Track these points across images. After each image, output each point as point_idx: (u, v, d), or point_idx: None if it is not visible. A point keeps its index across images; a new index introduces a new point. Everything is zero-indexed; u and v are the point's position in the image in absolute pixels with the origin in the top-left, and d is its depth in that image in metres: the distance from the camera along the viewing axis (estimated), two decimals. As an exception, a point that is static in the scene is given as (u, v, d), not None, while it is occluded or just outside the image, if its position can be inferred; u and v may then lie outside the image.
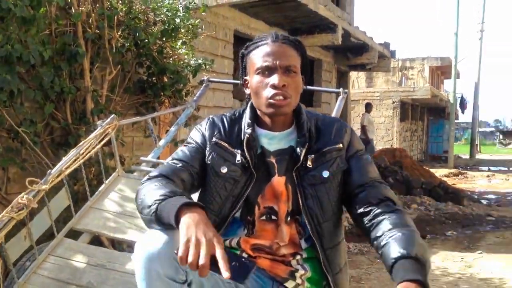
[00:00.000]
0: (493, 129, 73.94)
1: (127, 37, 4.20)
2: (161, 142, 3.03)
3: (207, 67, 4.73)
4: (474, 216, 8.49)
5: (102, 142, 2.37)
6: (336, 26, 8.34)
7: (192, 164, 1.56)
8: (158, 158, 2.96)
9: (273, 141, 1.58)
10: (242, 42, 8.44)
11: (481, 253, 5.91)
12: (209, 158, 1.57)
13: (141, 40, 4.29)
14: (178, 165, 1.55)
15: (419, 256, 1.29)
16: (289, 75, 1.52)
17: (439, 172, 15.70)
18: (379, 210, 1.45)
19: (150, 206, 1.33)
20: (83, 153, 2.25)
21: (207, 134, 1.61)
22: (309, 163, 1.52)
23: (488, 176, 17.05)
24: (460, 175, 17.01)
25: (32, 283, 2.05)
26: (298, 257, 1.55)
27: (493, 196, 11.91)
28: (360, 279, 4.75)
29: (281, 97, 1.50)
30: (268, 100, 1.51)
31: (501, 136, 54.95)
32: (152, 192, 1.37)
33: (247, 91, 1.63)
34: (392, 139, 19.68)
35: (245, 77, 1.63)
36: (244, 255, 1.53)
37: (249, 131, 1.55)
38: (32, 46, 3.38)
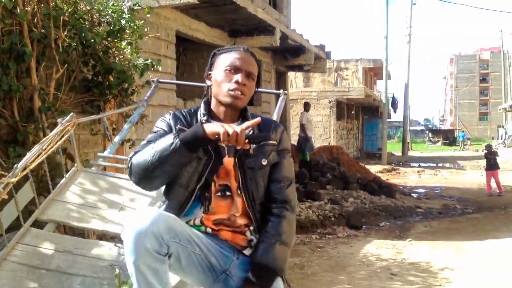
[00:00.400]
0: (423, 127, 77.55)
1: (73, 37, 4.26)
2: (116, 139, 3.18)
3: (154, 67, 4.87)
4: (405, 208, 9.10)
5: (63, 138, 2.50)
6: (274, 29, 8.64)
7: None
8: (114, 154, 3.09)
9: None
10: (183, 42, 8.55)
11: (410, 240, 6.42)
12: None
13: (86, 40, 4.36)
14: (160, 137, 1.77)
15: (270, 264, 1.73)
16: (249, 79, 1.86)
17: (374, 169, 16.47)
18: (273, 211, 1.84)
19: (170, 144, 1.64)
20: (45, 149, 2.37)
21: (172, 123, 1.87)
22: (251, 151, 1.83)
23: (418, 172, 18.04)
24: (393, 171, 17.91)
25: (3, 269, 2.17)
26: (252, 227, 1.84)
27: (422, 190, 12.71)
28: (303, 266, 5.06)
29: (239, 92, 1.82)
30: (229, 91, 1.82)
31: (430, 134, 57.56)
32: (160, 142, 1.68)
33: (208, 82, 1.93)
34: (330, 137, 20.36)
35: (210, 72, 1.93)
36: (208, 230, 1.80)
37: (204, 118, 1.85)
38: (-23, 46, 3.39)
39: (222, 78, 1.84)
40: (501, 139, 40.34)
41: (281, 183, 1.87)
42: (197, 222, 1.81)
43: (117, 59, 4.77)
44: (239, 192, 1.82)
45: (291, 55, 11.32)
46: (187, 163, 1.73)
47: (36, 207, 2.48)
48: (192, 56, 9.36)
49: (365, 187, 10.54)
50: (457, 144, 45.26)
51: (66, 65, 4.28)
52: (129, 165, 1.74)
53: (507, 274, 4.77)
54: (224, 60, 1.86)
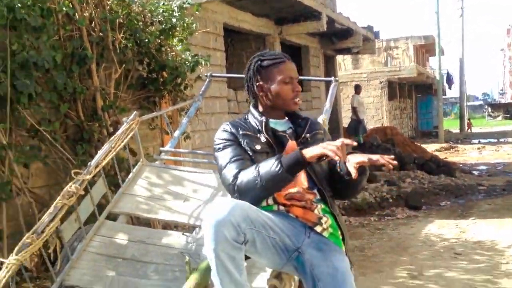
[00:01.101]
0: (481, 102, 74.51)
1: (128, 38, 4.45)
2: (176, 133, 3.30)
3: (204, 63, 5.01)
4: (466, 187, 8.86)
5: (129, 136, 2.65)
6: (320, 14, 8.59)
7: (242, 153, 1.98)
8: (175, 148, 3.23)
9: (278, 125, 2.11)
10: (231, 34, 8.64)
11: (474, 219, 6.27)
12: (244, 144, 2.01)
13: (141, 40, 4.54)
14: (238, 160, 1.95)
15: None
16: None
17: (431, 147, 16.07)
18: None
19: (276, 170, 1.80)
20: (114, 147, 2.52)
21: (234, 131, 2.05)
22: (308, 139, 2.08)
23: (478, 148, 17.43)
24: (451, 149, 17.36)
25: (83, 259, 2.35)
26: (319, 206, 1.97)
27: (484, 167, 12.29)
28: (363, 248, 5.08)
29: (298, 98, 2.11)
30: (293, 100, 2.08)
31: (489, 109, 55.38)
32: (264, 168, 1.84)
33: (260, 93, 2.10)
34: (382, 118, 20.01)
35: (261, 83, 2.09)
36: (281, 208, 1.94)
37: (263, 119, 2.05)
38: (44, 51, 3.61)
39: (281, 89, 2.05)
40: None
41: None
42: (270, 201, 1.95)
43: (169, 56, 4.95)
44: (305, 174, 1.99)
45: (338, 38, 11.21)
46: (290, 181, 1.88)
47: (107, 202, 2.65)
48: (240, 46, 9.47)
49: (422, 166, 10.32)
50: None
51: (123, 65, 4.49)
52: (233, 187, 1.89)
53: None
54: (280, 73, 2.06)
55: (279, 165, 1.80)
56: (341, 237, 1.98)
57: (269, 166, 1.82)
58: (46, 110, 3.88)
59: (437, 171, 10.02)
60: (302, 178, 1.98)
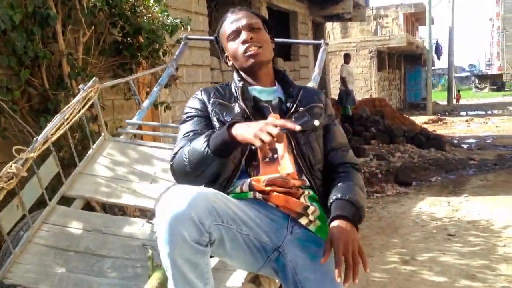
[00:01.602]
0: (468, 74, 74.64)
1: (98, -4, 4.02)
2: (145, 104, 2.93)
3: (183, 27, 4.61)
4: (456, 161, 8.61)
5: (86, 107, 2.27)
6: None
7: (202, 129, 1.62)
8: (143, 120, 2.86)
9: (263, 94, 1.73)
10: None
11: (466, 196, 6.01)
12: (212, 113, 1.67)
13: (112, -1, 4.11)
14: (191, 136, 1.61)
15: (352, 200, 1.52)
16: (254, 31, 1.71)
17: (419, 120, 15.84)
18: (340, 170, 1.66)
19: (202, 152, 1.46)
20: (67, 119, 2.14)
21: (205, 98, 1.72)
22: (298, 111, 1.70)
23: (466, 121, 17.29)
24: (439, 121, 17.20)
25: (28, 252, 1.99)
26: (306, 193, 1.61)
27: (473, 140, 12.09)
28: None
29: (253, 48, 1.68)
30: (244, 54, 1.68)
31: (476, 81, 55.35)
32: (194, 145, 1.51)
33: (229, 63, 1.79)
34: (371, 89, 19.68)
35: (225, 54, 1.80)
36: (258, 195, 1.56)
37: (241, 84, 1.70)
38: (0, 10, 3.20)
39: (231, 48, 1.73)
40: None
41: (340, 150, 1.73)
42: (245, 188, 1.59)
43: (145, 18, 4.53)
44: (289, 149, 1.63)
45: (328, 4, 10.77)
46: (227, 164, 1.53)
47: (62, 183, 2.29)
48: (224, 11, 8.97)
49: (412, 140, 10.06)
50: (509, 89, 43.32)
51: (93, 27, 4.07)
52: (171, 168, 1.59)
53: None
54: (224, 33, 1.76)
55: (206, 144, 1.45)
56: None
57: (198, 145, 1.48)
58: (4, 77, 3.48)
59: (427, 144, 9.78)
60: (287, 161, 1.61)
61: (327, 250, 1.41)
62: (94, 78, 2.39)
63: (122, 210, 2.70)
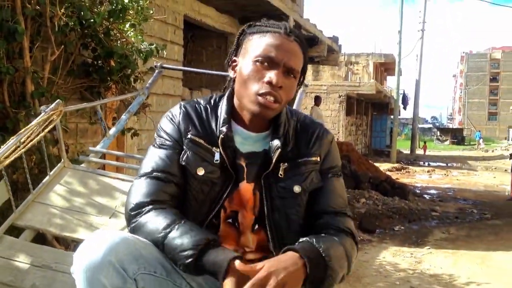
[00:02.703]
0: (430, 125, 77.01)
1: (71, 16, 3.87)
2: (111, 131, 2.77)
3: (159, 52, 4.50)
4: (419, 211, 8.67)
5: (46, 130, 2.09)
6: (287, 17, 8.22)
7: (174, 172, 1.36)
8: (108, 148, 2.68)
9: (247, 141, 1.41)
10: (191, 29, 8.12)
11: (429, 248, 6.00)
12: (183, 159, 1.37)
13: (86, 19, 3.96)
14: (161, 179, 1.35)
15: (323, 250, 1.22)
16: (289, 78, 1.35)
17: (383, 167, 16.08)
18: (324, 230, 1.35)
19: (186, 253, 1.19)
20: (24, 142, 1.96)
21: (182, 128, 1.40)
22: (280, 172, 1.37)
23: (428, 171, 17.68)
24: (402, 170, 17.55)
25: (-37, 291, 1.77)
26: None
27: (434, 191, 12.31)
28: None
29: (272, 99, 1.32)
30: (257, 96, 1.32)
31: (438, 133, 57.17)
32: (173, 240, 1.22)
33: (231, 74, 1.43)
34: (338, 132, 19.92)
35: (235, 57, 1.43)
36: None
37: (224, 129, 1.36)
38: (-36, 21, 3.02)
39: (250, 72, 1.33)
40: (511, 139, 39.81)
41: (335, 214, 1.39)
42: None
43: (119, 42, 4.40)
44: (256, 227, 1.38)
45: (303, 46, 10.90)
46: None
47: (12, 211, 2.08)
48: (200, 43, 8.98)
49: (377, 187, 10.11)
50: (468, 144, 44.67)
51: (63, 46, 3.91)
52: (130, 220, 1.32)
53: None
54: (257, 45, 1.34)
55: (192, 258, 1.18)
56: None
57: (179, 245, 1.20)
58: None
59: (392, 192, 9.85)
60: (248, 238, 1.38)
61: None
62: (57, 100, 2.22)
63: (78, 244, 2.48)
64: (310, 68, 23.33)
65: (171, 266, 1.24)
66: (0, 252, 1.93)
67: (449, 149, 39.58)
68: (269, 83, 1.30)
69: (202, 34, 8.66)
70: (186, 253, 1.18)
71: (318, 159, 1.41)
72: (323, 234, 1.32)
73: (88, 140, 4.66)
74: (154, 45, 4.49)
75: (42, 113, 2.11)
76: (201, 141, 1.37)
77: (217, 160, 1.35)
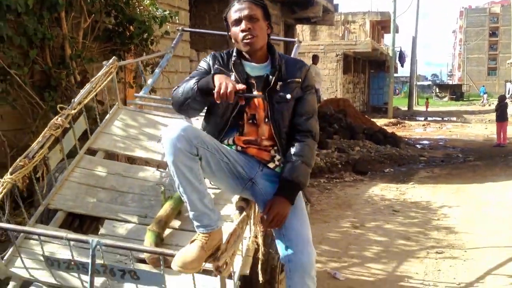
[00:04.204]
0: (430, 82, 76.90)
1: (99, -12, 4.53)
2: (149, 81, 3.52)
3: (172, 18, 5.15)
4: (409, 157, 9.49)
5: (108, 78, 2.84)
6: (284, -20, 8.77)
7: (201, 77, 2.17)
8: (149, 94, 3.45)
9: (254, 70, 2.19)
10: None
11: (413, 184, 6.83)
12: None
13: (111, -10, 4.62)
14: (195, 78, 2.12)
15: (295, 180, 2.08)
16: (252, 21, 2.12)
17: (380, 122, 16.75)
18: (296, 138, 2.17)
19: (192, 88, 2.02)
20: (95, 87, 2.72)
21: (211, 63, 2.22)
22: (278, 87, 2.14)
23: (423, 125, 18.36)
24: (398, 124, 18.23)
25: (65, 187, 2.56)
26: (276, 147, 2.18)
27: (426, 142, 13.07)
28: (312, 204, 5.49)
29: (249, 36, 2.10)
30: (242, 41, 2.12)
31: (437, 89, 57.21)
32: (189, 82, 2.07)
33: (233, 41, 2.23)
34: (336, 90, 20.56)
35: (229, 33, 2.21)
36: (238, 148, 2.15)
37: (234, 58, 2.19)
38: (17, -5, 3.66)
39: (234, 33, 2.15)
40: (508, 93, 40.21)
41: (304, 116, 2.19)
42: (230, 141, 2.16)
43: (137, 10, 5.05)
44: (266, 120, 2.17)
45: (299, 7, 11.44)
46: (206, 102, 2.09)
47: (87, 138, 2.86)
48: (203, 8, 9.54)
49: (371, 137, 10.88)
50: (467, 99, 44.87)
51: (92, 15, 4.57)
52: (172, 97, 2.15)
53: (495, 210, 5.21)
54: (230, 18, 2.17)
55: (196, 82, 2.01)
56: None
57: (191, 82, 2.04)
58: (16, 54, 3.95)
59: (384, 141, 10.62)
60: (263, 129, 2.16)
61: (265, 210, 2.04)
62: (114, 57, 2.95)
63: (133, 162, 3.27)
64: (307, 28, 23.75)
65: (219, 148, 2.02)
66: (85, 165, 2.73)
67: (448, 105, 40.16)
68: (242, 30, 2.11)
69: (204, 0, 9.22)
70: (191, 87, 2.03)
71: (300, 80, 2.20)
72: (295, 148, 2.15)
73: (112, 96, 5.35)
74: (168, 12, 5.15)
75: (104, 67, 2.85)
76: (222, 69, 2.17)
77: (233, 79, 2.10)
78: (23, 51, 4.01)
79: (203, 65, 2.25)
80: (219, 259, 1.83)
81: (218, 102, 1.96)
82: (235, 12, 2.13)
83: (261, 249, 2.25)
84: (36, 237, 2.12)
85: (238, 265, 2.17)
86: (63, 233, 2.08)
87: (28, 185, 2.35)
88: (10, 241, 2.34)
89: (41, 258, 2.10)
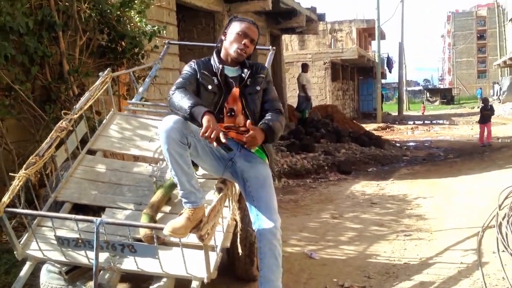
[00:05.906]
0: (421, 88, 77.64)
1: (92, 8, 4.96)
2: (140, 89, 3.95)
3: (160, 33, 5.59)
4: (392, 157, 9.93)
5: (104, 87, 3.26)
6: (267, -8, 9.24)
7: (192, 82, 2.65)
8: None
9: (230, 71, 2.72)
10: (182, 10, 9.17)
11: (393, 180, 7.25)
12: (200, 80, 2.67)
13: (103, 10, 5.04)
14: (186, 83, 2.59)
15: (270, 123, 2.58)
16: (252, 44, 2.70)
17: (369, 127, 17.16)
18: (268, 112, 2.68)
19: (185, 110, 2.36)
20: (93, 95, 3.13)
21: (196, 67, 2.69)
22: (248, 83, 2.68)
23: (412, 128, 18.84)
24: (387, 128, 18.70)
25: (71, 182, 2.97)
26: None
27: (412, 144, 13.51)
28: (297, 200, 5.92)
29: (244, 52, 2.66)
30: (237, 49, 2.65)
31: (427, 94, 57.86)
32: (185, 99, 2.41)
33: (222, 38, 2.74)
34: (326, 98, 21.01)
35: (226, 31, 2.72)
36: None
37: (220, 66, 2.68)
38: (19, 17, 4.07)
39: (235, 38, 2.65)
40: (496, 95, 40.83)
41: (270, 101, 2.76)
42: None
43: (128, 27, 5.47)
44: (243, 111, 2.65)
45: (283, 18, 11.92)
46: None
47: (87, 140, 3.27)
48: (191, 23, 9.99)
49: (356, 140, 11.32)
50: (458, 103, 45.36)
51: (86, 33, 4.98)
52: (169, 98, 2.53)
53: (463, 198, 5.63)
54: (238, 26, 2.67)
55: (190, 108, 2.34)
56: (265, 155, 2.68)
57: (185, 103, 2.37)
58: (19, 71, 4.34)
59: (369, 143, 11.05)
60: (240, 118, 2.64)
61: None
62: (108, 68, 3.37)
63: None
64: (296, 38, 24.29)
65: None
66: (85, 164, 3.13)
67: (438, 109, 40.73)
68: (244, 44, 2.64)
69: (191, 15, 9.65)
70: (186, 106, 2.36)
71: (264, 75, 2.77)
72: (270, 114, 2.68)
73: (107, 108, 5.75)
74: (156, 27, 5.58)
75: (100, 77, 3.27)
76: (207, 73, 2.66)
77: (216, 83, 2.65)
78: (25, 68, 4.41)
79: (189, 69, 2.69)
80: (201, 229, 2.25)
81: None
82: (245, 28, 2.64)
83: (239, 225, 2.66)
84: (48, 224, 2.52)
85: (220, 239, 2.58)
86: (71, 215, 2.48)
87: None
88: (24, 230, 2.74)
89: (52, 241, 2.49)
